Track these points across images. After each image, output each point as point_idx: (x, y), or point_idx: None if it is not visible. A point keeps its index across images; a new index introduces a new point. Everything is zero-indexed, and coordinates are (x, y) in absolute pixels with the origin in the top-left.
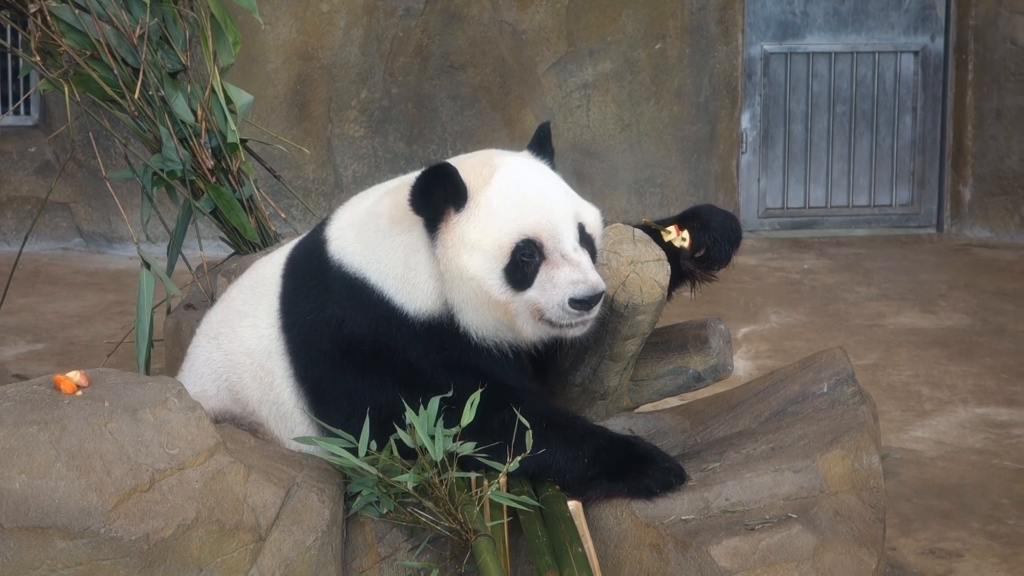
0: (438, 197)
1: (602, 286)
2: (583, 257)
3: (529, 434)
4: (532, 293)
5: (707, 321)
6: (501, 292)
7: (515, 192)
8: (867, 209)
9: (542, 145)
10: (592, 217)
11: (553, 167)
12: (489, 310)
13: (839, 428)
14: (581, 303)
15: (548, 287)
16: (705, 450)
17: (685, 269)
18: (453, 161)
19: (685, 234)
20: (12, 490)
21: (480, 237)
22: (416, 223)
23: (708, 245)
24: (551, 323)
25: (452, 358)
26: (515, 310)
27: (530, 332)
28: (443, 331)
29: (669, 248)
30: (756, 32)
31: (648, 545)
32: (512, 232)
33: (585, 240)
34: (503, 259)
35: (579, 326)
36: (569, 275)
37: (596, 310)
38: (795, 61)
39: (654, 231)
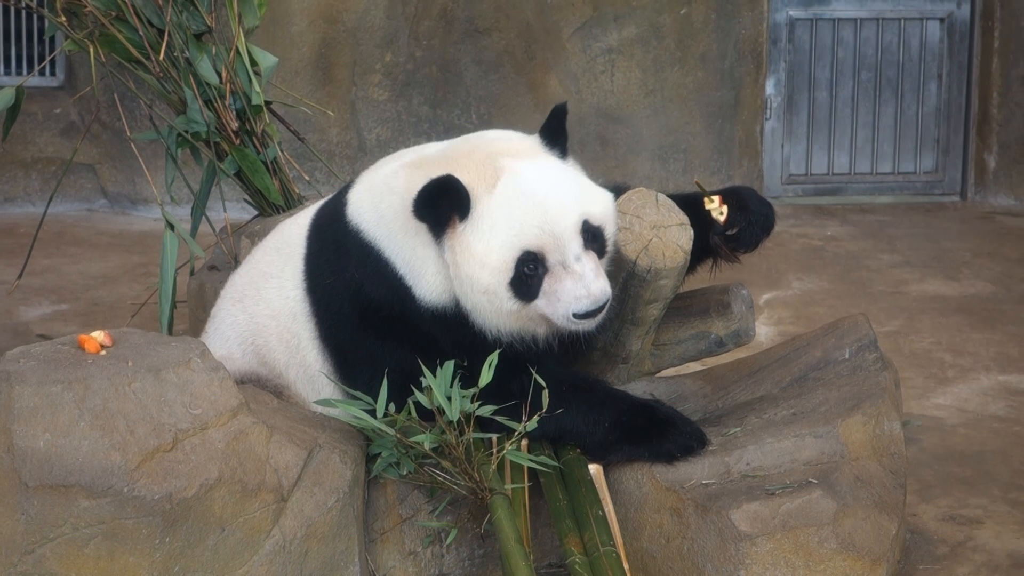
0: (443, 206)
1: (605, 296)
2: (586, 265)
3: (545, 393)
4: (539, 303)
5: (729, 286)
6: (510, 303)
7: (517, 202)
8: (891, 176)
9: (553, 130)
10: (599, 207)
11: (564, 153)
12: (501, 318)
13: (860, 394)
14: (585, 316)
15: (552, 299)
16: (726, 415)
17: (712, 244)
18: (456, 153)
19: (724, 208)
20: (36, 449)
21: (485, 252)
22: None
23: (742, 226)
24: (560, 327)
25: (464, 335)
26: (526, 316)
27: (544, 332)
28: (454, 321)
29: (702, 219)
30: None
31: (668, 509)
32: (515, 246)
33: (592, 237)
34: (508, 272)
35: (590, 322)
36: (572, 289)
37: (604, 314)
38: (820, 27)
39: (691, 201)
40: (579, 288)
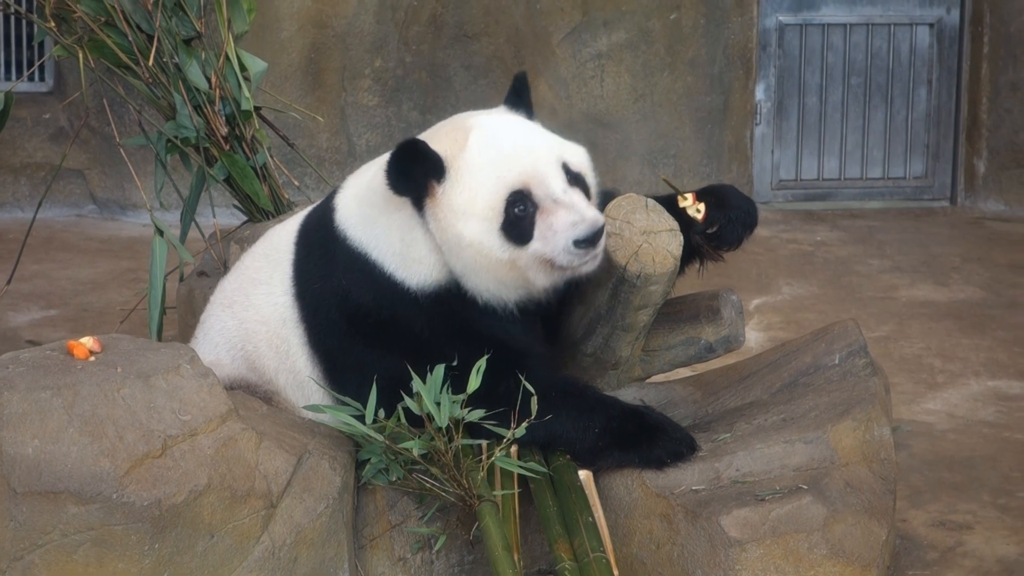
0: (417, 173)
1: (601, 220)
2: (575, 196)
3: (534, 399)
4: (536, 245)
5: (719, 292)
6: (504, 250)
7: (493, 148)
8: (881, 181)
9: (519, 95)
10: (577, 156)
11: (531, 116)
12: (495, 271)
13: (850, 400)
14: (585, 242)
15: (549, 235)
16: (716, 421)
17: (694, 243)
18: (428, 131)
19: (701, 206)
20: (25, 455)
21: (469, 202)
22: (406, 201)
23: (722, 223)
24: (563, 268)
25: (458, 326)
26: (524, 264)
27: (543, 281)
28: (450, 299)
29: (681, 218)
30: (771, 3)
31: (658, 515)
32: (500, 188)
33: (574, 179)
34: (497, 218)
35: (590, 262)
36: (566, 218)
37: (603, 243)
38: (810, 32)
39: (669, 199)
40: (574, 215)
